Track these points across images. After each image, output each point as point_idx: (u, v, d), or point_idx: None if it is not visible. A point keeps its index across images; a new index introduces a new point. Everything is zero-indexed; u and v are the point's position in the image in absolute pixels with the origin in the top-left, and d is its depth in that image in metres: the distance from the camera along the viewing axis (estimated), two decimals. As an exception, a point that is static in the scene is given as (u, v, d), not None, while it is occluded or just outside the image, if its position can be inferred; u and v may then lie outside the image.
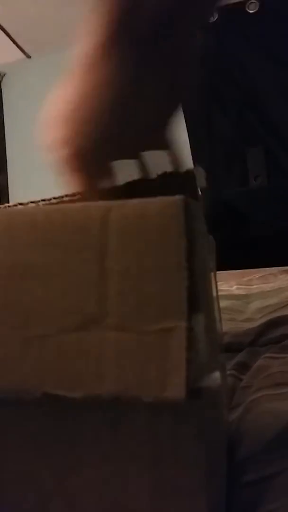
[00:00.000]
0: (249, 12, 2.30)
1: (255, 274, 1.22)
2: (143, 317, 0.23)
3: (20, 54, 3.02)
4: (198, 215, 0.26)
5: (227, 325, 0.67)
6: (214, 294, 0.38)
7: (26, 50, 2.98)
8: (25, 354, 0.24)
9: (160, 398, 0.22)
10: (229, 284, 1.16)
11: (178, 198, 0.23)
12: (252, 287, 1.13)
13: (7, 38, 2.79)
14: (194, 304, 0.23)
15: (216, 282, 0.41)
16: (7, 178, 3.07)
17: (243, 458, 0.36)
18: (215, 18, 2.40)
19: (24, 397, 0.24)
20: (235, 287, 1.15)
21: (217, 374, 0.26)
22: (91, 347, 0.23)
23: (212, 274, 0.38)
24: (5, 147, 3.14)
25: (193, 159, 2.51)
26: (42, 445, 0.26)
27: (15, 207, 0.30)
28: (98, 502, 0.26)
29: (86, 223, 0.24)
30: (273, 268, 1.23)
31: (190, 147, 2.47)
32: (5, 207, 0.34)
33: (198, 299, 0.24)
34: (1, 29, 2.68)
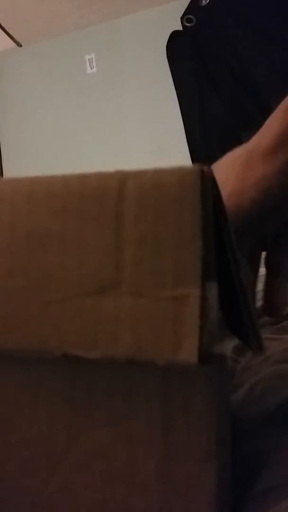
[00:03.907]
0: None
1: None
2: (158, 283, 0.24)
3: (11, 43, 3.00)
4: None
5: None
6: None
7: (17, 38, 2.96)
8: (45, 316, 0.25)
9: (173, 362, 0.23)
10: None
11: (194, 167, 0.24)
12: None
13: (-3, 27, 2.78)
14: (208, 273, 0.24)
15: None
16: (1, 168, 3.06)
17: (241, 433, 0.37)
18: (207, 1, 2.42)
19: (44, 357, 0.24)
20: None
21: (227, 343, 0.26)
22: (107, 311, 0.24)
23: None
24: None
25: (188, 144, 2.52)
26: (55, 405, 0.27)
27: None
28: (107, 464, 0.27)
29: (103, 191, 0.25)
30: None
31: (185, 131, 2.48)
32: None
33: (213, 268, 0.24)
34: (-9, 18, 2.67)
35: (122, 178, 0.25)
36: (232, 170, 0.37)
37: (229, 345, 0.26)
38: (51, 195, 0.26)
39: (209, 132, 2.34)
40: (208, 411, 0.25)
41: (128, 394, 0.26)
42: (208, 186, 0.24)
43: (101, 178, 0.25)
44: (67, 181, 0.26)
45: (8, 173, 3.02)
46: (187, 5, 2.50)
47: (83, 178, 0.26)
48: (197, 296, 0.23)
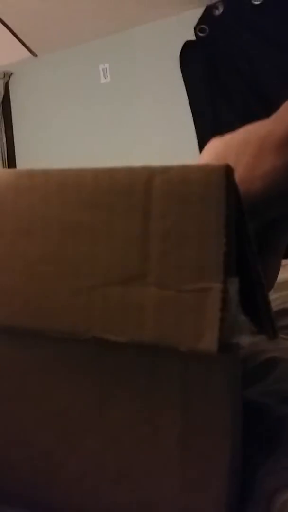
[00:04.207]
0: (254, 4, 2.34)
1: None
2: (182, 276, 0.25)
3: (27, 53, 3.03)
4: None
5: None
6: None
7: (32, 49, 3.00)
8: (75, 301, 0.26)
9: (194, 349, 0.24)
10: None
11: (220, 165, 0.25)
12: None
13: (14, 38, 2.80)
14: (230, 269, 0.25)
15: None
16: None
17: (256, 411, 0.39)
18: (221, 11, 2.44)
19: (75, 338, 0.26)
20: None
21: (246, 335, 0.28)
22: (133, 299, 0.25)
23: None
24: (13, 146, 3.16)
25: (200, 151, 2.52)
26: (87, 380, 0.29)
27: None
28: (131, 434, 0.29)
29: (131, 186, 0.26)
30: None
31: (197, 138, 2.49)
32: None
33: (234, 264, 0.26)
34: (8, 29, 2.69)
35: (150, 174, 0.26)
36: (242, 154, 0.38)
37: (247, 338, 0.27)
38: (81, 187, 0.27)
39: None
40: (225, 393, 0.27)
41: (152, 373, 0.28)
42: (232, 185, 0.25)
43: (130, 173, 0.26)
44: (96, 174, 0.27)
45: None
46: (200, 15, 2.52)
47: (112, 173, 0.27)
48: (219, 290, 0.24)
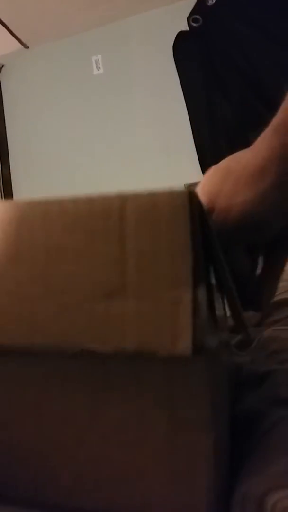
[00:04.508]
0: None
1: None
2: (157, 289, 0.29)
3: (18, 45, 3.03)
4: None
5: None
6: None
7: (24, 40, 2.99)
8: (62, 318, 0.30)
9: (172, 353, 0.28)
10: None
11: (183, 190, 0.28)
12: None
13: (4, 29, 2.80)
14: (199, 279, 0.28)
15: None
16: (9, 170, 3.10)
17: (254, 411, 0.43)
18: (214, 1, 2.43)
19: (65, 351, 0.30)
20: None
21: (216, 337, 0.31)
22: (115, 312, 0.29)
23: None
24: (6, 139, 3.17)
25: (195, 144, 2.54)
26: (78, 390, 0.33)
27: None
28: (121, 437, 0.32)
29: (107, 212, 0.30)
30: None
31: (192, 132, 2.50)
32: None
33: (202, 275, 0.29)
34: (-2, 20, 2.70)
35: (123, 200, 0.30)
36: (226, 182, 0.41)
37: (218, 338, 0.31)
38: (63, 214, 0.31)
39: (216, 132, 2.36)
40: (204, 393, 0.30)
41: (137, 379, 0.31)
42: (195, 207, 0.29)
43: (105, 199, 0.30)
44: (76, 201, 0.31)
45: (16, 177, 3.06)
46: (193, 5, 2.50)
47: (89, 199, 0.30)
48: (190, 299, 0.28)
